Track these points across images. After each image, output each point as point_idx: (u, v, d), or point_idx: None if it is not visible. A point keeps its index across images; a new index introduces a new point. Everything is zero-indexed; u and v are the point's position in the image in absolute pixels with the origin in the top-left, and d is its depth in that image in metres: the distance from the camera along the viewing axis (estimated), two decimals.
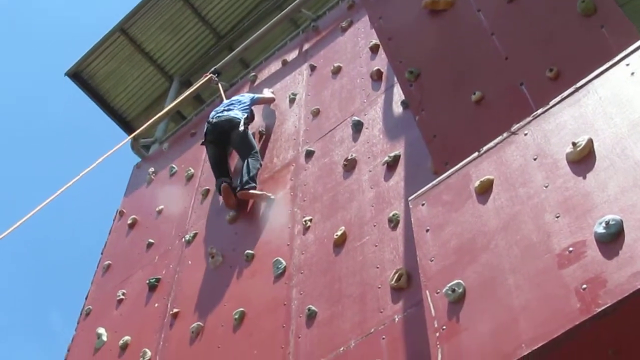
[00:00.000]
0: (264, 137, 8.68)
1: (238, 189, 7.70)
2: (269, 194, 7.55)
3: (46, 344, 28.70)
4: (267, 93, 9.23)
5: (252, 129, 8.65)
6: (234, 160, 8.53)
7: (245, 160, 7.90)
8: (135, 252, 8.92)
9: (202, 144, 8.64)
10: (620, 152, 3.37)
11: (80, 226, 31.37)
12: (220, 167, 8.26)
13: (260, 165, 8.02)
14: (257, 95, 9.06)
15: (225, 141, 8.34)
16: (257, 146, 8.29)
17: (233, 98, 9.04)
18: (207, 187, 8.66)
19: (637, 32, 4.40)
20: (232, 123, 8.28)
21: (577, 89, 3.89)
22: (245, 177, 7.68)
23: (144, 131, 11.23)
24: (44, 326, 29.72)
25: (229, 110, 8.54)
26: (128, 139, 11.25)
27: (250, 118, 8.65)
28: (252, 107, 8.85)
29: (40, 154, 31.84)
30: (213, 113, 8.71)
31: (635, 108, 3.47)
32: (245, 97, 8.93)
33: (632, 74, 3.65)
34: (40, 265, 30.64)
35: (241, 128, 8.15)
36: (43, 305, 30.01)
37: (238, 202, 7.81)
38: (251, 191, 7.62)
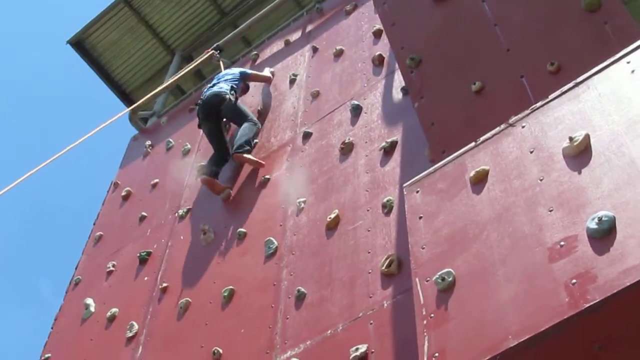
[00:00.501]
0: (261, 116, 8.66)
1: (232, 152, 7.72)
2: (262, 162, 7.60)
3: (35, 312, 28.77)
4: (266, 72, 9.21)
5: (250, 107, 8.64)
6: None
7: (242, 124, 7.93)
8: (128, 225, 8.92)
9: (199, 126, 8.57)
10: (616, 149, 3.37)
11: (74, 195, 31.40)
12: (218, 144, 8.24)
13: (259, 128, 8.07)
14: (248, 70, 9.06)
15: (216, 116, 8.28)
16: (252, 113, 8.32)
17: (222, 72, 9.02)
18: (203, 163, 8.63)
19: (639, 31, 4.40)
20: (219, 97, 8.25)
21: (576, 84, 3.88)
22: (241, 141, 7.69)
23: (142, 103, 11.20)
24: (34, 294, 29.78)
25: (217, 84, 8.52)
26: (127, 110, 11.22)
27: (243, 90, 8.64)
28: (248, 82, 8.87)
29: (38, 121, 31.80)
30: (204, 91, 8.68)
31: (634, 106, 3.47)
32: (235, 70, 8.94)
33: (633, 71, 3.65)
34: (32, 233, 30.68)
35: (227, 97, 8.14)
36: (33, 273, 30.06)
37: (223, 187, 7.84)
38: (245, 155, 7.63)
